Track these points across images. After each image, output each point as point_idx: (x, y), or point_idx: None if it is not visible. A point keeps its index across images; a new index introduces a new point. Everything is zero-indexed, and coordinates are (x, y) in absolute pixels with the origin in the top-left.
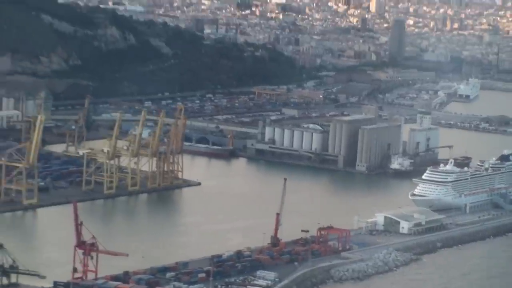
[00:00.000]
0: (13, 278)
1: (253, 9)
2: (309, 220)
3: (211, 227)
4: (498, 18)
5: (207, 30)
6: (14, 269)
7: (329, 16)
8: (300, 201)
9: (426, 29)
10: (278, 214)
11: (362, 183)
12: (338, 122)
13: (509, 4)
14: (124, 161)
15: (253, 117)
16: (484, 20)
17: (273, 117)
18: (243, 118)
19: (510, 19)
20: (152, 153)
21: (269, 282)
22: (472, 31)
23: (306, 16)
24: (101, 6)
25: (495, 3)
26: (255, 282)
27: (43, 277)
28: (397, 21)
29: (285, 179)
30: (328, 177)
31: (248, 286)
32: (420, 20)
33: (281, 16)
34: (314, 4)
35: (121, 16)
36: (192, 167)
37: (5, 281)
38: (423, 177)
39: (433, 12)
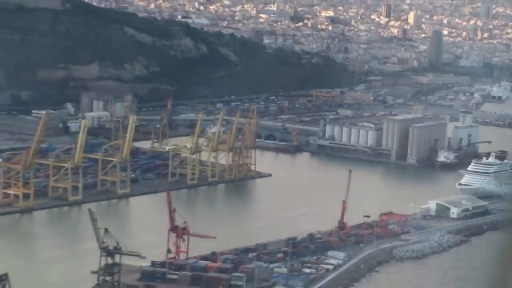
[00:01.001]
0: (117, 258)
1: (305, 21)
2: (369, 206)
3: (283, 213)
4: None
5: (266, 40)
6: (117, 250)
7: (372, 28)
8: (359, 190)
9: (459, 38)
10: (344, 202)
11: (413, 174)
12: (390, 121)
13: None
14: (205, 156)
15: (312, 116)
16: (510, 30)
17: (330, 117)
18: (303, 118)
19: None
20: (229, 148)
21: (340, 261)
22: (500, 40)
23: (352, 28)
24: (175, 19)
25: None
26: (327, 261)
27: (144, 258)
28: (435, 31)
29: (350, 171)
30: (383, 169)
31: (321, 265)
32: (454, 30)
33: (330, 28)
34: (359, 17)
35: (194, 28)
36: (263, 161)
37: (109, 260)
38: (468, 168)
39: (464, 23)
